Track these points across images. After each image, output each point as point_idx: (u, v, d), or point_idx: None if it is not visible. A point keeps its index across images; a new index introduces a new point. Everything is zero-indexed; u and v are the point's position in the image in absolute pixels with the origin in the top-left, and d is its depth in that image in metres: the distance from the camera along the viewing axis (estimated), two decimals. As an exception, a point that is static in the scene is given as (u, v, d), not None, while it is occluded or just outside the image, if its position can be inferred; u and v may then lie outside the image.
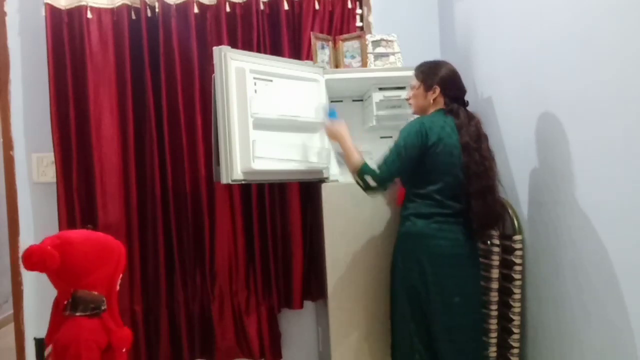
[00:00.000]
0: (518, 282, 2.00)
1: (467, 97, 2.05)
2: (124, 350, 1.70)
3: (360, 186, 1.91)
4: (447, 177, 1.90)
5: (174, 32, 2.61)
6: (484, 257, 2.10)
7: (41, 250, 1.62)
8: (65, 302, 1.65)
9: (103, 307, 1.69)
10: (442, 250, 1.89)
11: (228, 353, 2.64)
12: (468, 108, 2.02)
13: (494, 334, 2.06)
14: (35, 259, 1.61)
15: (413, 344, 1.93)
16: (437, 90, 1.96)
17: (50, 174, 2.68)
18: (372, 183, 1.87)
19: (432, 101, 1.98)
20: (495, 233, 2.06)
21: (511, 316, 2.01)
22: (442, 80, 1.96)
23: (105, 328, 1.68)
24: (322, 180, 2.32)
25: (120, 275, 1.73)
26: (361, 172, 1.89)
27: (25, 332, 2.70)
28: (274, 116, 2.18)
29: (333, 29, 2.68)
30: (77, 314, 1.64)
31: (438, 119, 1.93)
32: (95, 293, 1.66)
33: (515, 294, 2.00)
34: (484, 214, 1.88)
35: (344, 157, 2.04)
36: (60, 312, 1.65)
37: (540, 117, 1.86)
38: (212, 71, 2.17)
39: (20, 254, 2.63)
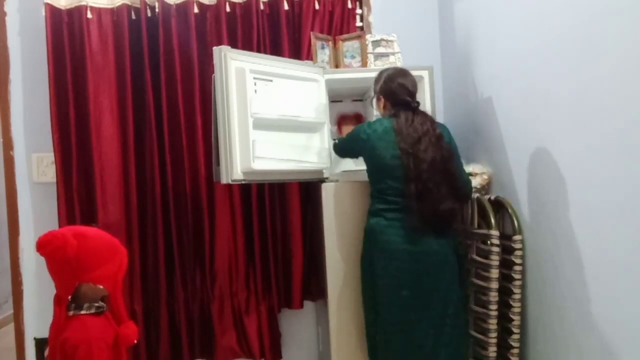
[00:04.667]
0: (518, 282, 2.00)
1: (469, 96, 2.05)
2: (134, 342, 1.71)
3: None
4: (384, 176, 2.00)
5: (174, 32, 2.61)
6: (484, 257, 2.11)
7: (63, 235, 1.63)
8: (69, 298, 1.64)
9: (106, 307, 1.69)
10: (390, 245, 1.96)
11: (228, 353, 2.64)
12: (471, 114, 2.03)
13: (493, 334, 2.06)
14: (57, 244, 1.60)
15: (372, 333, 2.05)
16: (382, 99, 2.10)
17: (50, 174, 2.68)
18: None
19: (382, 109, 2.11)
20: (495, 233, 2.06)
21: (511, 316, 2.01)
22: (381, 90, 2.09)
23: (112, 325, 1.68)
24: (322, 180, 2.32)
25: (123, 275, 1.73)
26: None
27: (25, 332, 2.70)
28: (274, 116, 2.18)
29: (333, 29, 2.68)
30: (83, 312, 1.64)
31: (377, 124, 2.06)
32: (101, 287, 1.66)
33: (515, 294, 2.00)
34: (418, 215, 1.91)
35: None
36: (64, 311, 1.64)
37: (540, 117, 1.86)
38: (212, 71, 2.17)
39: (20, 253, 2.68)
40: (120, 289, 1.71)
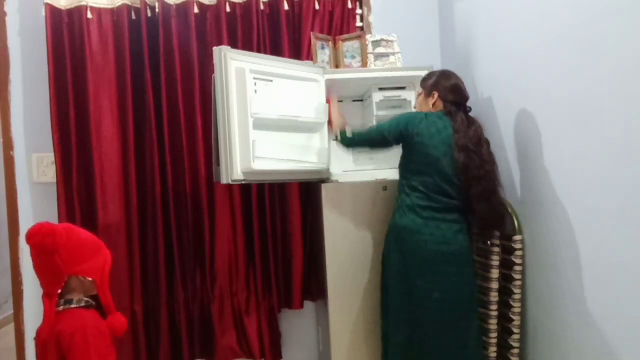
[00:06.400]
0: (518, 282, 2.00)
1: (469, 96, 2.07)
2: (124, 331, 1.73)
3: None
4: (431, 170, 1.95)
5: (174, 32, 2.61)
6: (484, 257, 2.11)
7: (51, 225, 1.65)
8: (58, 292, 1.65)
9: (93, 303, 1.71)
10: (426, 245, 1.93)
11: (228, 353, 2.64)
12: (472, 114, 2.07)
13: (494, 334, 2.06)
14: (46, 232, 1.62)
15: (403, 332, 2.00)
16: (435, 95, 2.06)
17: (50, 174, 2.68)
18: (342, 141, 2.18)
19: (431, 106, 2.07)
20: (495, 233, 2.06)
21: (511, 316, 2.01)
22: (436, 85, 2.06)
23: (101, 317, 1.71)
24: (322, 180, 2.32)
25: (109, 269, 1.75)
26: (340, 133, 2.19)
27: (25, 332, 2.70)
28: (274, 116, 2.18)
29: (333, 29, 2.68)
30: (73, 306, 1.65)
31: (434, 116, 2.01)
32: (89, 279, 1.68)
33: (515, 294, 2.00)
34: (487, 216, 1.94)
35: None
36: (54, 306, 1.65)
37: (540, 117, 1.86)
38: (212, 71, 2.17)
39: (20, 253, 2.67)
40: (107, 282, 1.72)
